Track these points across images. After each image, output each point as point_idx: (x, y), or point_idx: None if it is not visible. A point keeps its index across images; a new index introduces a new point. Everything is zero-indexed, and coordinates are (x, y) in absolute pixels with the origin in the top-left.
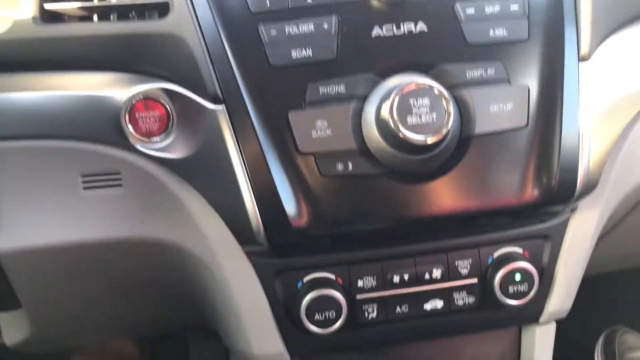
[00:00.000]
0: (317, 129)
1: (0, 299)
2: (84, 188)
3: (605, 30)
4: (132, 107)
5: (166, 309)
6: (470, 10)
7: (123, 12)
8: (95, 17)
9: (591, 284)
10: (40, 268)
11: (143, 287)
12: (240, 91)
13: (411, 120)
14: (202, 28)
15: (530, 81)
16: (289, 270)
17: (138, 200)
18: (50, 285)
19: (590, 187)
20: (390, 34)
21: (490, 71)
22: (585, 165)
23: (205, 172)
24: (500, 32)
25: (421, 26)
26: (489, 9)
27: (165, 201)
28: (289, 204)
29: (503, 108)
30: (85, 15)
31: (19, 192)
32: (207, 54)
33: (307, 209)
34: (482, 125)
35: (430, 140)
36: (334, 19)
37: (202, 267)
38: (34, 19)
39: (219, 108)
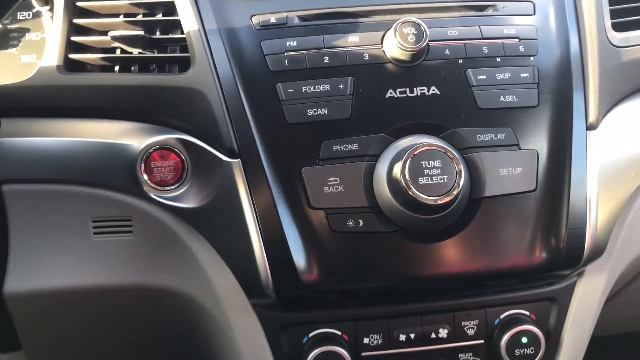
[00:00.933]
0: (329, 185)
1: (1, 340)
2: (95, 233)
3: (612, 99)
4: (148, 156)
5: (168, 357)
6: (482, 77)
7: (144, 64)
8: (117, 68)
9: (599, 346)
10: (46, 312)
11: (146, 335)
12: (256, 146)
13: (422, 180)
14: (221, 83)
15: (539, 147)
16: (295, 324)
17: (148, 247)
18: (53, 329)
19: (598, 252)
20: (404, 96)
21: (501, 136)
22: (592, 230)
23: (216, 223)
24: (510, 98)
25: (434, 90)
26: (499, 76)
27: (174, 250)
28: (299, 258)
29: (512, 172)
30: (107, 65)
31: (30, 235)
32: (225, 109)
33: (317, 263)
34: (491, 188)
35: (441, 201)
36: (349, 80)
37: (208, 317)
38: (58, 67)
39: (235, 161)
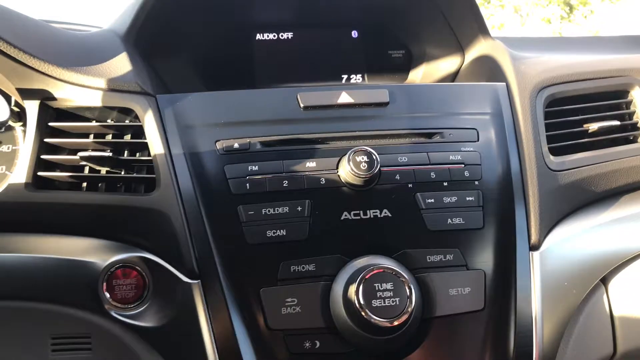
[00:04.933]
0: (287, 305)
1: None
2: (53, 350)
3: (553, 220)
4: (110, 274)
5: None
6: (430, 200)
7: (111, 183)
8: (84, 185)
9: None
10: None
11: None
12: (216, 267)
13: (376, 303)
14: (184, 206)
15: (486, 267)
16: None
17: None
18: None
19: None
20: (358, 218)
21: (449, 257)
22: (539, 348)
23: (175, 343)
24: (457, 221)
25: (386, 213)
26: (447, 199)
27: None
28: None
29: (462, 292)
30: (75, 182)
31: None
32: (187, 231)
33: None
34: (442, 308)
35: (394, 323)
36: (307, 203)
37: None
38: (26, 184)
39: (195, 282)
